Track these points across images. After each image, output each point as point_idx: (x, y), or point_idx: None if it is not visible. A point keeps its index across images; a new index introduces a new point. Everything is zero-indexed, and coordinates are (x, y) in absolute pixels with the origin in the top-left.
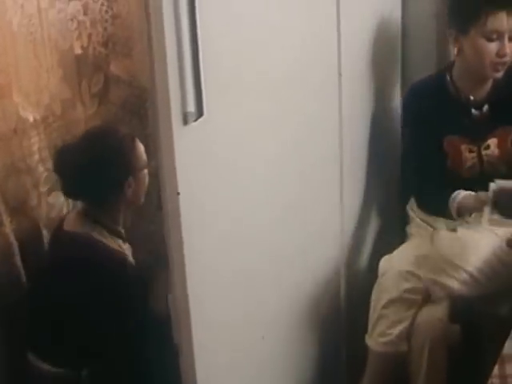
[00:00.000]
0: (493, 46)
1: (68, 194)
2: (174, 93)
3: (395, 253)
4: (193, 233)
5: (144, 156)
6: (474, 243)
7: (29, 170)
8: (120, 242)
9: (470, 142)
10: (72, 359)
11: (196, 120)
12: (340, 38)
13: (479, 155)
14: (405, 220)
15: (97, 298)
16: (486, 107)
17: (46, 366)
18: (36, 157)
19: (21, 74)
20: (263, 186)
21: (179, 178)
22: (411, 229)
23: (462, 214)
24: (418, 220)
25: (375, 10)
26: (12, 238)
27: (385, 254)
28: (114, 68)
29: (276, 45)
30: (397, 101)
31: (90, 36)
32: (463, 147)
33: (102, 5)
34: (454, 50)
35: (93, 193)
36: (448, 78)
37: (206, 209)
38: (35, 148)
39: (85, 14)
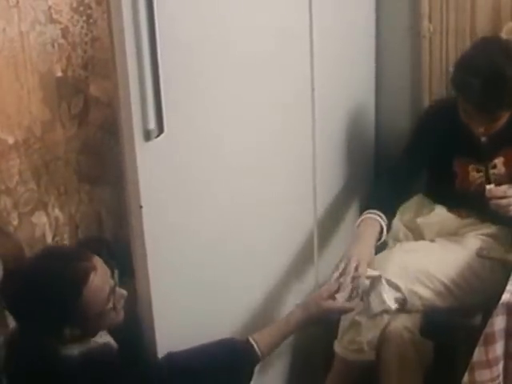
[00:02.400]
0: (470, 121)
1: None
2: (136, 111)
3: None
4: (156, 244)
5: (101, 295)
6: (451, 255)
7: (9, 191)
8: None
9: (477, 162)
10: None
11: (157, 136)
12: (313, 55)
13: (487, 174)
14: None
15: None
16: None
17: None
18: (16, 178)
19: (2, 96)
20: (226, 198)
21: (142, 192)
22: (389, 238)
23: None
24: (400, 224)
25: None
26: None
27: None
28: (94, 90)
29: (236, 60)
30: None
31: (69, 58)
32: (471, 167)
33: (82, 28)
34: None
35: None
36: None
37: (168, 221)
38: (15, 170)
39: (64, 37)
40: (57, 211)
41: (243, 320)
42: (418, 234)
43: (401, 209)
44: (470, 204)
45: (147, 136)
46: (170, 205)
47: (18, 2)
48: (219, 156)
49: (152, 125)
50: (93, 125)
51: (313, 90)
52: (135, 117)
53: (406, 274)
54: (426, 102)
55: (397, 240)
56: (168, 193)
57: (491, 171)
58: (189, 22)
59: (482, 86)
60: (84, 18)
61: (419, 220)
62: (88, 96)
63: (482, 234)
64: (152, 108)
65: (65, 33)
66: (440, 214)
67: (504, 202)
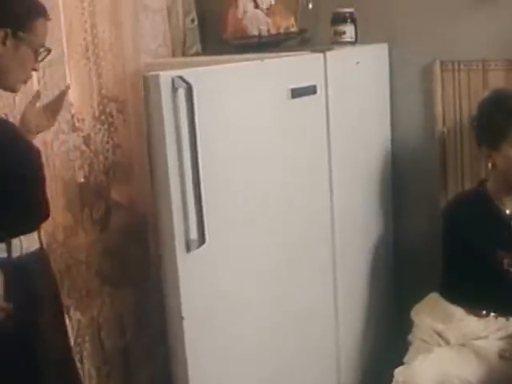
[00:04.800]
0: None
1: None
2: (178, 222)
3: (414, 368)
4: (197, 354)
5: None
6: (483, 359)
7: None
8: None
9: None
10: None
11: (199, 247)
12: (331, 159)
13: None
14: (402, 329)
15: None
16: None
17: None
18: None
19: None
20: (265, 308)
21: (183, 303)
22: (414, 337)
23: None
24: (424, 326)
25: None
26: None
27: (383, 363)
28: (115, 194)
29: (273, 174)
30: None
31: (91, 165)
32: (506, 262)
33: (103, 136)
34: (488, 166)
35: None
36: (483, 193)
37: (209, 330)
38: None
39: (87, 144)
40: (78, 314)
41: None
42: (443, 338)
43: (415, 308)
44: (501, 300)
45: (188, 246)
46: (210, 314)
47: None
48: (259, 264)
49: (194, 235)
50: (114, 229)
51: (331, 191)
52: (177, 227)
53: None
54: (442, 203)
55: (422, 340)
56: (208, 302)
57: None
58: (226, 140)
59: None
60: (105, 126)
61: (441, 326)
62: (109, 201)
63: (509, 336)
64: (194, 219)
65: (87, 140)
66: (461, 319)
67: None
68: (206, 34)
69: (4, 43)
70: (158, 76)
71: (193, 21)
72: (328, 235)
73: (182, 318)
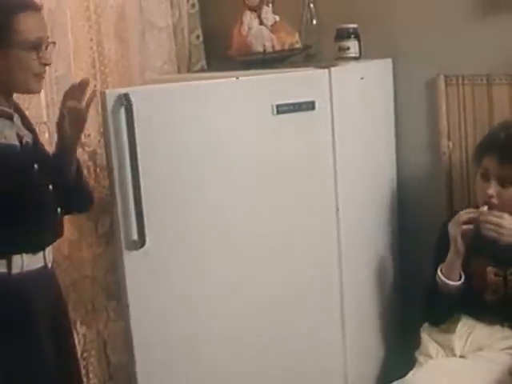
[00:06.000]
0: (484, 185)
1: None
2: (122, 224)
3: (406, 382)
4: (142, 339)
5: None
6: (488, 374)
7: None
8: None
9: (496, 265)
10: None
11: (141, 247)
12: (336, 174)
13: (505, 279)
14: (410, 345)
15: None
16: None
17: None
18: None
19: None
20: (207, 303)
21: (129, 293)
22: (420, 354)
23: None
24: (430, 341)
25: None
26: None
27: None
28: None
29: (255, 190)
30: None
31: (96, 180)
32: (489, 269)
33: None
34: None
35: None
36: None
37: (154, 320)
38: None
39: (92, 159)
40: (84, 328)
41: None
42: (448, 349)
43: (425, 325)
44: (489, 309)
45: (131, 246)
46: (156, 307)
47: (48, 128)
48: (200, 272)
49: (135, 236)
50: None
51: (337, 210)
52: (121, 229)
53: None
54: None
55: (427, 356)
56: (152, 294)
57: (510, 277)
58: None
59: (506, 137)
60: None
61: (447, 337)
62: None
63: None
64: (134, 222)
65: (92, 156)
66: (468, 324)
67: (494, 219)
68: (211, 50)
69: None
70: (104, 93)
71: (198, 37)
72: (334, 254)
73: (127, 306)
